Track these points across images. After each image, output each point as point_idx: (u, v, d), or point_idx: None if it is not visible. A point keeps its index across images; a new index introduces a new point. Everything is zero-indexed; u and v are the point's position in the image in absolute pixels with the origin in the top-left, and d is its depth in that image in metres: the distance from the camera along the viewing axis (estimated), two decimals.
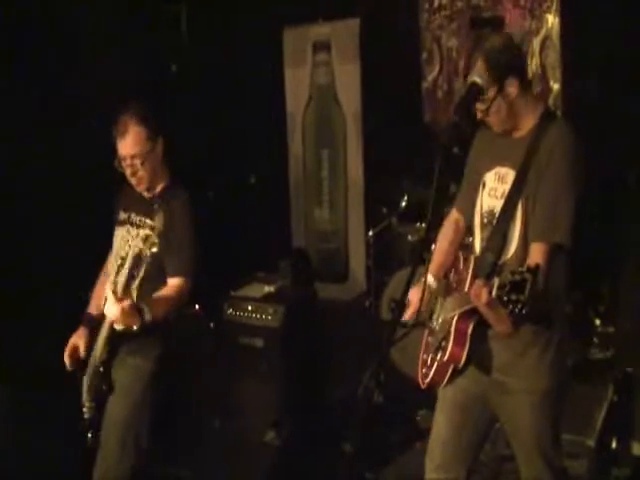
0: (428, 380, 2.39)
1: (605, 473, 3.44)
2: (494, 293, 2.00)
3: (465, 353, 2.28)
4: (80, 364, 2.81)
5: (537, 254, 2.22)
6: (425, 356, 2.45)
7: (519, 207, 2.28)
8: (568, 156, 2.24)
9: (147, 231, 2.68)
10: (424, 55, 5.36)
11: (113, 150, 2.76)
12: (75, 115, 4.36)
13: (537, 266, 2.01)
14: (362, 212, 5.50)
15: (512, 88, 2.28)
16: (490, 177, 2.39)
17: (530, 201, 2.27)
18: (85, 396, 2.78)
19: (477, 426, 2.47)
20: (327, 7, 5.45)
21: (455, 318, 2.28)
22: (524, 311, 1.98)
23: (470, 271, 2.36)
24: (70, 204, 4.26)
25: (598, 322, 4.30)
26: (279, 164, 5.87)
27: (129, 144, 2.69)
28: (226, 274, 4.26)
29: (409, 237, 4.45)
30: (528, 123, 2.33)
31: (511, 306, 1.97)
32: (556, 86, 4.88)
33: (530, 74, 4.92)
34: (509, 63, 2.28)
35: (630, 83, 4.26)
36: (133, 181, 2.77)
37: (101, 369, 2.70)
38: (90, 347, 2.79)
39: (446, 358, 2.30)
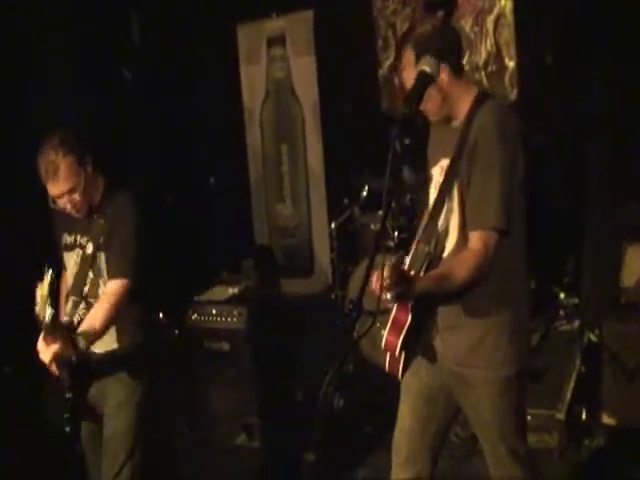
0: (387, 368, 2.37)
1: (577, 445, 3.47)
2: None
3: (400, 343, 2.24)
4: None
5: (475, 242, 2.19)
6: None
7: (455, 197, 2.24)
8: (494, 139, 2.18)
9: (92, 250, 2.58)
10: (379, 42, 5.35)
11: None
12: (27, 124, 4.29)
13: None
14: (325, 204, 5.48)
15: (443, 75, 2.22)
16: (436, 170, 2.37)
17: (465, 190, 2.22)
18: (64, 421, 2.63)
19: (442, 416, 2.44)
20: (279, 1, 5.42)
21: (395, 307, 2.26)
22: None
23: (408, 262, 2.32)
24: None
25: (563, 295, 4.34)
26: (238, 163, 5.83)
27: (62, 181, 2.51)
28: (190, 277, 4.26)
29: (372, 226, 4.44)
30: (463, 110, 2.28)
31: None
32: (511, 64, 4.88)
33: (485, 53, 4.94)
34: (438, 50, 2.22)
35: (585, 57, 4.26)
36: (72, 212, 2.62)
37: (68, 395, 2.54)
38: None
39: (383, 346, 2.28)
